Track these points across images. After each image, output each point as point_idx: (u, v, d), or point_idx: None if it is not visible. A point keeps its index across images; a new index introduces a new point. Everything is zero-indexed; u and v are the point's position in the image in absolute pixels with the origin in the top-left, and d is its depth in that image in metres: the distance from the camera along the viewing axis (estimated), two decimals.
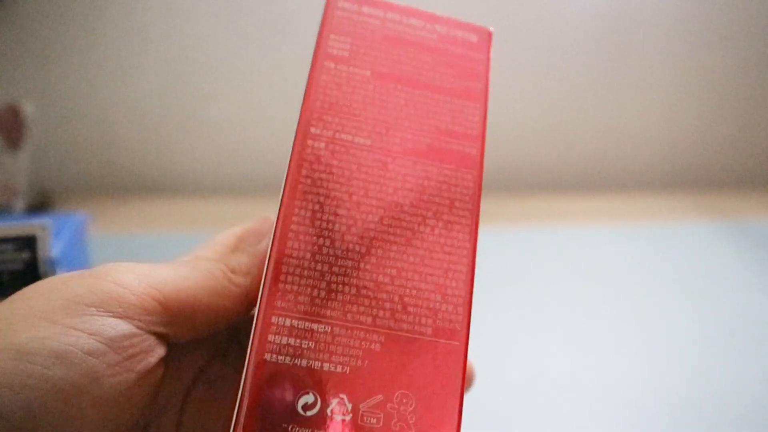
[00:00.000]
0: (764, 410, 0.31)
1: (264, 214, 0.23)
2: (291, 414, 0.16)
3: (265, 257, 0.18)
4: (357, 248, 0.18)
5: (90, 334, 0.16)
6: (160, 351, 0.18)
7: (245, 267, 0.20)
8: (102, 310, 0.16)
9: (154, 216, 0.62)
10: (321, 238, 0.18)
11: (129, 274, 0.18)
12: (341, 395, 0.16)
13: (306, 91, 0.19)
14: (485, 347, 0.37)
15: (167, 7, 0.65)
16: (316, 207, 0.18)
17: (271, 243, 0.18)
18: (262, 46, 0.67)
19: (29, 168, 0.56)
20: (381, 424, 0.16)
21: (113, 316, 0.16)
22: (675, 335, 0.38)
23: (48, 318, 0.16)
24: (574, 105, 0.71)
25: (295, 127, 0.19)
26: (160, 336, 0.18)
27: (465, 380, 0.17)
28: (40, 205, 0.62)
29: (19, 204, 0.55)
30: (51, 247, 0.30)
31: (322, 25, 0.20)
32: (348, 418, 0.16)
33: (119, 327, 0.16)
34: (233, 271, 0.20)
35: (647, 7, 0.68)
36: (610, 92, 0.71)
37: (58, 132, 0.69)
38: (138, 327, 0.17)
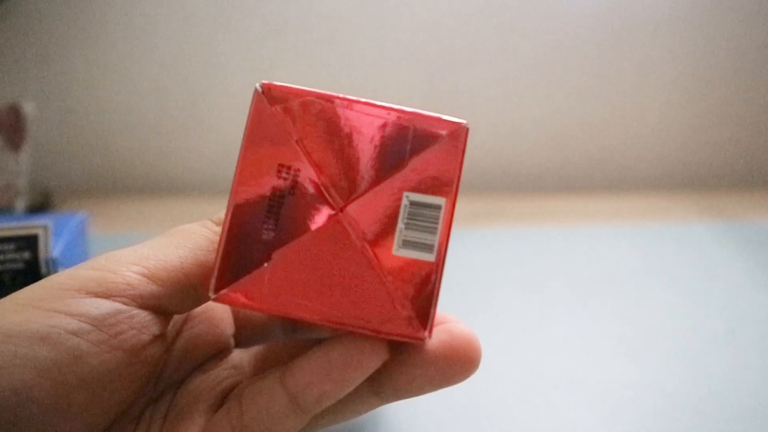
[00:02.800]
0: (764, 410, 0.31)
1: None
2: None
3: None
4: None
5: (72, 315, 0.16)
6: (154, 329, 0.17)
7: None
8: (83, 292, 0.16)
9: (154, 216, 0.62)
10: None
11: (109, 258, 0.18)
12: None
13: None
14: (485, 347, 0.37)
15: (167, 7, 0.65)
16: None
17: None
18: (262, 46, 0.67)
19: (29, 168, 0.56)
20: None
21: (95, 296, 0.16)
22: (675, 335, 0.38)
23: (31, 304, 0.16)
24: (574, 105, 0.71)
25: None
26: (155, 310, 0.18)
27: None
28: (40, 205, 0.62)
29: (20, 204, 0.55)
30: (52, 247, 0.30)
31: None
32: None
33: (102, 306, 0.16)
34: (218, 223, 0.19)
35: (647, 8, 0.68)
36: (609, 92, 0.71)
37: (58, 132, 0.69)
38: (125, 303, 0.17)
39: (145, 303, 0.17)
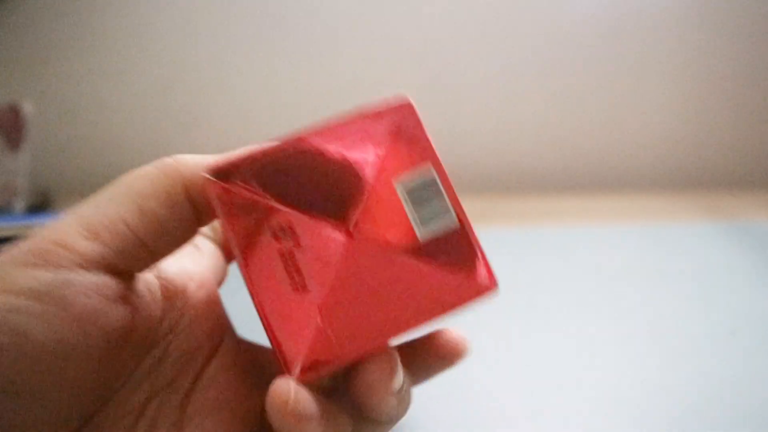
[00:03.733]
0: (765, 410, 0.31)
1: None
2: None
3: None
4: None
5: (8, 293, 0.15)
6: (107, 290, 0.16)
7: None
8: (21, 266, 0.16)
9: None
10: None
11: (49, 226, 0.17)
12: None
13: None
14: (485, 347, 0.37)
15: (167, 7, 0.65)
16: None
17: None
18: (261, 46, 0.67)
19: (29, 168, 0.56)
20: None
21: (35, 268, 0.16)
22: (675, 335, 0.38)
23: None
24: (574, 105, 0.71)
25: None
26: (106, 270, 0.17)
27: None
28: (40, 205, 0.62)
29: (19, 204, 0.55)
30: None
31: None
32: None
33: (42, 277, 0.15)
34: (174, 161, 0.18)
35: (647, 8, 0.68)
36: (610, 93, 0.71)
37: (58, 132, 0.69)
38: (68, 269, 0.16)
39: (91, 264, 0.16)
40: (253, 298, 0.17)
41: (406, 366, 0.19)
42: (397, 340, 0.17)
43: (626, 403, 0.32)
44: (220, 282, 0.24)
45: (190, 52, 0.67)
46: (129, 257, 0.17)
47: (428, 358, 0.20)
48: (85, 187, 0.71)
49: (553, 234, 0.55)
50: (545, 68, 0.69)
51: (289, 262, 0.16)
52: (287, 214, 0.17)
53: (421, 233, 0.17)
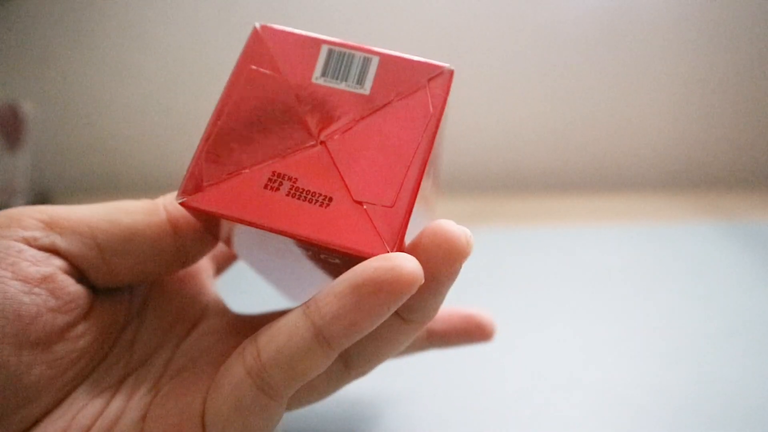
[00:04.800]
0: (765, 410, 0.31)
1: None
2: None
3: None
4: None
5: None
6: (56, 261, 0.16)
7: (170, 196, 0.19)
8: None
9: None
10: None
11: (17, 208, 0.17)
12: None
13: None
14: (483, 347, 0.37)
15: (167, 7, 0.65)
16: None
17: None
18: None
19: (29, 168, 0.56)
20: None
21: None
22: (675, 335, 0.38)
23: None
24: (574, 105, 0.71)
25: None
26: (53, 252, 0.17)
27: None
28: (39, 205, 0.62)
29: (19, 204, 0.55)
30: None
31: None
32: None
33: None
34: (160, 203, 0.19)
35: (648, 8, 0.68)
36: (610, 93, 0.71)
37: (58, 132, 0.69)
38: (17, 241, 0.16)
39: (41, 247, 0.16)
40: (301, 242, 0.17)
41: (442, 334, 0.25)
42: (427, 175, 0.18)
43: (626, 403, 0.32)
44: (219, 266, 0.24)
45: (191, 52, 0.67)
46: (82, 259, 0.17)
47: (461, 332, 0.25)
48: (85, 187, 0.71)
49: (553, 234, 0.55)
50: (545, 67, 0.69)
51: (302, 194, 0.17)
52: (266, 167, 0.18)
53: (365, 89, 0.18)
